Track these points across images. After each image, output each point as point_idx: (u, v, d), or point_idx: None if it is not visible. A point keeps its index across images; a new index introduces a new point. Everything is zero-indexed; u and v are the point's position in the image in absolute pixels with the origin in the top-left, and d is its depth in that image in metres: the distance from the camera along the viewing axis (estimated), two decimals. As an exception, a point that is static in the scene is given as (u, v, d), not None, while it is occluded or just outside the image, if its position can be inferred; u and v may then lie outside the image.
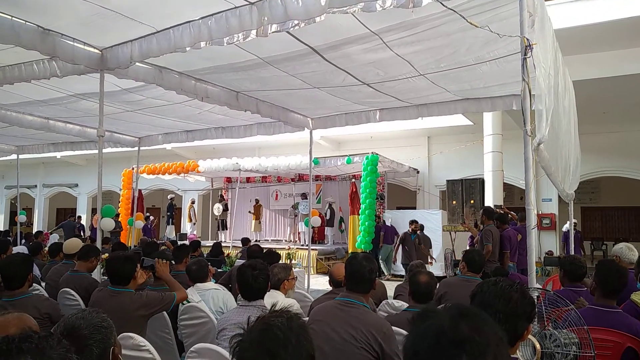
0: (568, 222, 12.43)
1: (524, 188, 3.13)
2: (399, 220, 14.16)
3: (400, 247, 12.08)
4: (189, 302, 4.02)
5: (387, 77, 5.97)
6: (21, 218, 13.59)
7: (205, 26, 4.30)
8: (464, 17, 4.03)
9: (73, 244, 5.68)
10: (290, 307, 1.61)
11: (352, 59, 5.35)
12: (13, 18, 4.38)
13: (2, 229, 21.10)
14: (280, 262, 5.63)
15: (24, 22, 4.47)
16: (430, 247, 12.54)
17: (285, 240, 17.74)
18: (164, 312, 3.92)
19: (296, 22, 3.87)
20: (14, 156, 12.48)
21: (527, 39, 3.02)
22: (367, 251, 11.98)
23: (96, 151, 5.62)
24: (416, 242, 11.75)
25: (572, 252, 11.76)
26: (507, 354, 1.02)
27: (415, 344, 0.99)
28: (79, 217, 20.30)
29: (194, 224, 19.15)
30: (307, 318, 2.95)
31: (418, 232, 11.92)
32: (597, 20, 8.61)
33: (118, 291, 3.42)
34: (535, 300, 2.48)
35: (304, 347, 1.42)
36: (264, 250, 6.29)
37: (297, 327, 1.45)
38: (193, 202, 19.45)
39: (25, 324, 1.80)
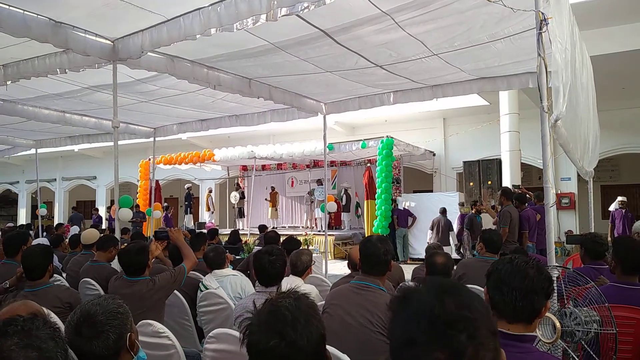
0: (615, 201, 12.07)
1: (542, 168, 3.06)
2: (418, 203, 14.10)
3: (467, 231, 11.54)
4: (207, 288, 4.05)
5: (400, 58, 5.89)
6: (42, 211, 13.80)
7: (215, 12, 4.30)
8: (477, -7, 3.95)
9: (90, 235, 5.74)
10: (309, 293, 1.58)
11: (363, 40, 5.29)
12: (25, 12, 4.41)
13: (24, 223, 21.51)
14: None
15: (35, 15, 4.49)
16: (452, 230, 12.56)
17: (302, 227, 17.76)
18: (183, 300, 3.97)
19: (306, 4, 3.83)
20: (32, 150, 12.64)
21: (542, 13, 2.94)
22: (385, 235, 11.92)
23: (113, 143, 5.66)
24: (481, 224, 11.24)
25: (620, 234, 11.33)
26: (495, 325, 0.98)
27: (408, 331, 0.94)
28: (96, 209, 20.51)
29: (212, 212, 19.29)
30: (324, 302, 2.95)
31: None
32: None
33: (134, 280, 3.47)
34: (555, 279, 2.44)
35: (314, 326, 1.39)
36: (284, 237, 6.28)
37: (306, 307, 1.43)
38: (210, 191, 19.58)
39: (32, 309, 1.82)
